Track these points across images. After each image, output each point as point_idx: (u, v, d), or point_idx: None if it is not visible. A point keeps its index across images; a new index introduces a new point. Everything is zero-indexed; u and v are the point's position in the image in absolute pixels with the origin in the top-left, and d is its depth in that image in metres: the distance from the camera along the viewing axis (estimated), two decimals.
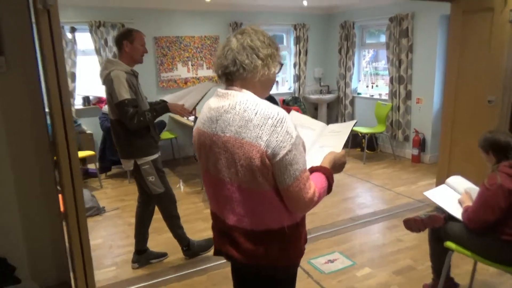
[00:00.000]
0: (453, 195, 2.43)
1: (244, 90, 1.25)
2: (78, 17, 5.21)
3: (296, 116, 1.65)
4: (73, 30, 5.20)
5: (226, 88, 1.29)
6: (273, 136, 1.16)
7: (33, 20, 1.89)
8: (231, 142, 1.21)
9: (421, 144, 5.60)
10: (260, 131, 1.16)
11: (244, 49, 1.24)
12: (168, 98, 2.96)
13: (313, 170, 1.33)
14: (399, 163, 5.70)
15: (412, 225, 2.44)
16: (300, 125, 1.59)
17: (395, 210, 3.99)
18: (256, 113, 1.18)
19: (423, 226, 2.40)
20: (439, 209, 2.40)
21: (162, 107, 2.78)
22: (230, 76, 1.27)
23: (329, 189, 1.33)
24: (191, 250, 3.10)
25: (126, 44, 2.64)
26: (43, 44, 1.73)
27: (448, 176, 2.75)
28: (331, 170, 1.36)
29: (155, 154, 2.80)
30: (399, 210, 4.00)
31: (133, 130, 2.64)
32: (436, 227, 2.37)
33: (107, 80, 2.61)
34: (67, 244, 2.17)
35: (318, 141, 1.54)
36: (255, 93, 1.26)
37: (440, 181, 3.49)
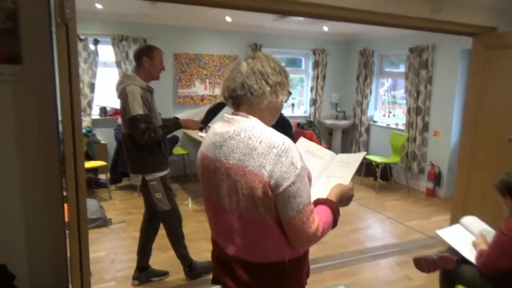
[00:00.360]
0: (467, 237, 2.32)
1: (251, 117, 1.22)
2: (102, 30, 5.35)
3: (305, 143, 1.61)
4: (96, 42, 5.32)
5: (233, 113, 1.26)
6: (277, 166, 1.12)
7: (54, 30, 1.93)
8: (234, 170, 1.17)
9: (436, 178, 5.46)
10: (264, 160, 1.12)
11: (254, 73, 1.21)
12: (181, 115, 2.96)
13: (318, 202, 1.28)
14: (413, 195, 5.56)
15: (423, 264, 2.33)
16: (308, 152, 1.55)
17: (406, 245, 3.85)
18: (261, 141, 1.14)
19: (434, 267, 2.29)
20: (451, 250, 2.29)
21: (174, 123, 2.78)
22: (237, 99, 1.24)
23: (334, 223, 1.27)
24: (193, 271, 3.03)
25: (145, 60, 2.68)
26: (59, 56, 1.75)
27: (463, 215, 2.64)
28: (337, 203, 1.30)
29: (164, 171, 2.78)
30: (410, 245, 3.86)
31: (144, 146, 2.64)
32: (448, 269, 2.26)
33: (122, 94, 2.63)
34: (68, 255, 2.14)
35: (326, 171, 1.49)
36: (261, 119, 1.23)
37: (455, 218, 3.37)
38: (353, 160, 1.49)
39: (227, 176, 1.19)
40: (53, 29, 1.93)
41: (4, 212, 2.03)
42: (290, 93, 1.31)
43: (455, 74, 5.19)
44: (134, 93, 2.58)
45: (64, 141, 1.81)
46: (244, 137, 1.17)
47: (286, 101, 1.30)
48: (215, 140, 1.25)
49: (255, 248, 1.22)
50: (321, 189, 1.41)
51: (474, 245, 2.23)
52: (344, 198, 1.35)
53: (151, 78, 2.74)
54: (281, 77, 1.25)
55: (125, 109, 2.62)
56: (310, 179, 1.25)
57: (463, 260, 2.21)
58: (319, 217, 1.21)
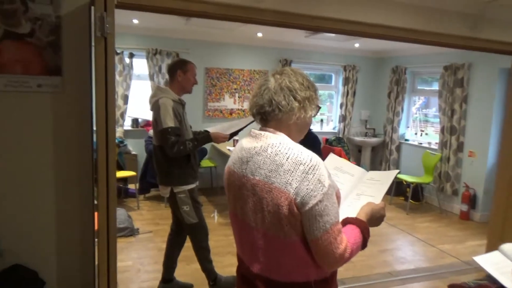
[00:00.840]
0: (508, 265, 2.19)
1: (278, 133, 1.20)
2: (137, 44, 5.53)
3: (334, 159, 1.57)
4: (131, 55, 5.50)
5: (260, 129, 1.25)
6: (304, 184, 1.09)
7: (93, 44, 2.00)
8: (260, 186, 1.15)
9: (471, 200, 5.23)
10: (291, 177, 1.10)
11: (282, 90, 1.20)
12: (212, 129, 2.98)
13: (347, 222, 1.24)
14: (446, 218, 5.34)
15: None
16: (338, 169, 1.52)
17: (439, 270, 3.68)
18: (288, 158, 1.12)
19: None
20: (490, 278, 2.16)
21: (204, 137, 2.80)
22: (265, 116, 1.23)
23: (363, 244, 1.22)
24: (217, 285, 3.00)
25: (179, 74, 2.73)
26: (97, 69, 1.81)
27: (501, 240, 2.50)
28: (367, 223, 1.25)
29: (193, 184, 2.80)
30: (443, 270, 3.68)
31: (173, 158, 2.67)
32: None
33: (155, 107, 2.68)
34: (96, 263, 2.17)
35: (356, 189, 1.45)
36: (289, 135, 1.21)
37: (492, 244, 3.20)
38: (385, 178, 1.44)
39: (253, 192, 1.18)
40: (93, 43, 2.01)
41: (37, 218, 2.09)
42: (319, 108, 1.29)
43: (493, 93, 5.00)
44: (166, 106, 2.62)
45: (98, 150, 1.86)
46: (271, 153, 1.15)
47: (315, 115, 1.27)
48: (242, 155, 1.24)
49: (279, 267, 1.19)
50: (350, 207, 1.36)
51: None
52: (375, 218, 1.30)
53: (183, 92, 2.79)
54: (309, 91, 1.23)
55: (156, 121, 2.67)
56: (339, 198, 1.21)
57: None
58: (348, 238, 1.16)
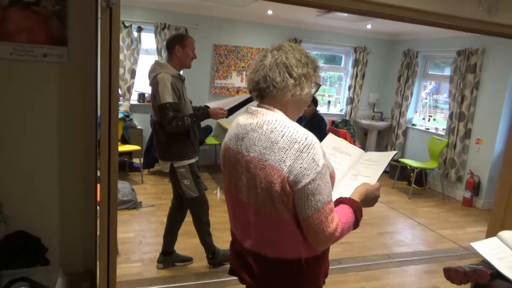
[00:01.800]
0: (505, 251, 2.19)
1: (275, 110, 1.19)
2: (146, 18, 5.47)
3: (333, 139, 1.56)
4: (139, 29, 5.46)
5: (257, 106, 1.24)
6: (297, 162, 1.09)
7: (99, 15, 1.98)
8: (254, 163, 1.15)
9: (475, 187, 5.21)
10: (285, 155, 1.10)
11: (277, 66, 1.18)
12: (212, 104, 2.98)
13: (340, 201, 1.24)
14: (448, 204, 5.34)
15: (453, 275, 2.23)
16: (336, 149, 1.52)
17: (437, 254, 3.71)
18: (283, 136, 1.12)
19: (465, 279, 2.18)
20: (486, 263, 2.17)
21: (203, 113, 2.79)
22: (261, 92, 1.22)
23: (356, 224, 1.22)
24: (216, 258, 3.06)
25: (178, 49, 2.71)
26: (102, 39, 1.80)
27: (501, 228, 2.51)
28: (361, 203, 1.25)
29: (193, 158, 2.82)
30: (441, 254, 3.71)
31: (173, 133, 2.68)
32: (480, 283, 2.15)
33: (154, 82, 2.68)
34: (98, 233, 2.22)
35: (353, 169, 1.44)
36: (286, 113, 1.20)
37: (492, 231, 3.21)
38: (382, 159, 1.43)
39: (247, 169, 1.18)
40: (99, 14, 1.99)
41: (41, 186, 2.13)
42: (319, 85, 1.26)
43: (506, 80, 4.90)
44: (164, 81, 2.62)
45: (101, 123, 1.87)
46: (267, 130, 1.15)
47: (314, 93, 1.25)
48: (238, 132, 1.23)
49: (270, 243, 1.21)
50: (347, 187, 1.37)
51: None
52: (369, 198, 1.30)
53: (183, 67, 2.78)
54: (307, 68, 1.20)
55: (155, 96, 2.67)
56: (333, 178, 1.21)
57: (498, 275, 2.09)
58: (339, 217, 1.17)
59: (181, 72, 2.79)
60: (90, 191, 2.24)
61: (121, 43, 5.41)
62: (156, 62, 2.81)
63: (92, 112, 2.16)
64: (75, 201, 2.21)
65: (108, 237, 1.99)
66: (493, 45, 5.00)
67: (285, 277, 1.22)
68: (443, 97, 6.37)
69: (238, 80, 6.14)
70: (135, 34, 5.47)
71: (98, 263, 2.30)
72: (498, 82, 5.00)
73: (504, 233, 2.33)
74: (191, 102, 2.88)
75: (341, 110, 7.05)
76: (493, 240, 2.31)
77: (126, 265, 3.02)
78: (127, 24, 5.35)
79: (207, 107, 2.90)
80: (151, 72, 2.75)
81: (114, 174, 1.92)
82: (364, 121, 6.86)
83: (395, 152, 1.51)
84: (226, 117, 2.92)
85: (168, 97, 2.61)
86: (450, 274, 2.25)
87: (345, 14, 4.67)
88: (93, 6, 2.05)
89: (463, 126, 5.41)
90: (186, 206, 2.97)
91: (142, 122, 5.69)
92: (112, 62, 1.81)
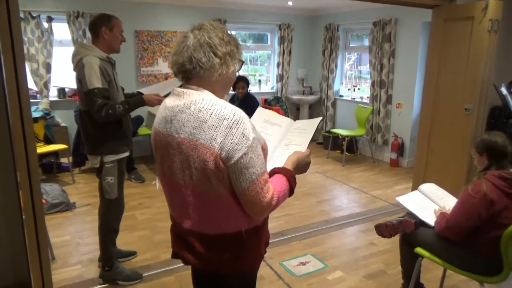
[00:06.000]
0: (425, 202, 2.42)
1: (201, 89, 1.19)
2: (55, 7, 5.05)
3: (263, 112, 1.60)
4: (49, 19, 5.03)
5: (183, 87, 1.22)
6: (228, 138, 1.10)
7: None
8: (185, 144, 1.15)
9: (399, 149, 5.64)
10: (215, 133, 1.10)
11: (201, 46, 1.17)
12: (145, 90, 2.74)
13: (274, 172, 1.28)
14: (378, 166, 5.73)
15: (383, 230, 2.42)
16: (267, 121, 1.55)
17: (370, 214, 3.99)
18: (211, 114, 1.12)
19: (394, 231, 2.38)
20: (410, 214, 2.39)
21: (136, 100, 2.52)
22: (187, 74, 1.20)
23: (290, 191, 1.27)
24: (112, 272, 2.70)
25: (104, 31, 2.44)
26: (1, 34, 1.64)
27: (423, 182, 2.75)
28: (294, 171, 1.30)
29: (125, 152, 2.58)
30: (374, 213, 4.00)
31: (102, 124, 2.42)
32: (407, 232, 2.36)
33: (78, 66, 2.38)
34: (27, 242, 2.07)
35: (285, 139, 1.50)
36: (213, 92, 1.20)
37: (416, 186, 3.51)
38: (310, 126, 1.49)
39: (179, 150, 1.17)
40: None
41: None
42: (242, 62, 1.28)
43: (417, 47, 5.30)
44: (91, 64, 2.32)
45: (12, 123, 1.72)
46: (194, 110, 1.14)
47: (238, 70, 1.26)
48: (166, 114, 1.22)
49: (210, 220, 1.22)
50: (280, 157, 1.41)
51: (435, 212, 2.33)
52: (301, 165, 1.35)
53: (111, 51, 2.51)
54: (230, 46, 1.21)
55: (81, 82, 2.35)
56: (265, 150, 1.24)
57: (421, 224, 2.31)
58: (274, 186, 1.21)
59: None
60: (12, 197, 2.06)
61: (30, 36, 4.96)
62: (80, 44, 2.52)
63: (2, 112, 1.97)
64: None
65: (37, 244, 1.87)
66: (404, 14, 5.35)
67: (228, 250, 1.24)
68: (366, 67, 6.73)
69: (165, 66, 5.96)
70: (46, 25, 5.04)
71: (31, 272, 2.17)
72: (410, 49, 5.39)
73: (424, 186, 2.56)
74: (123, 89, 2.63)
75: (272, 88, 7.17)
76: (414, 193, 2.53)
77: (65, 269, 2.86)
78: (34, 15, 4.90)
79: (140, 93, 2.65)
80: (74, 55, 2.43)
81: (35, 175, 1.80)
82: (295, 97, 7.05)
83: (320, 118, 1.59)
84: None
85: (96, 82, 2.31)
86: (381, 229, 2.44)
87: None
88: None
89: (384, 92, 5.78)
90: (100, 206, 2.67)
91: (66, 119, 5.33)
92: (17, 56, 1.66)
